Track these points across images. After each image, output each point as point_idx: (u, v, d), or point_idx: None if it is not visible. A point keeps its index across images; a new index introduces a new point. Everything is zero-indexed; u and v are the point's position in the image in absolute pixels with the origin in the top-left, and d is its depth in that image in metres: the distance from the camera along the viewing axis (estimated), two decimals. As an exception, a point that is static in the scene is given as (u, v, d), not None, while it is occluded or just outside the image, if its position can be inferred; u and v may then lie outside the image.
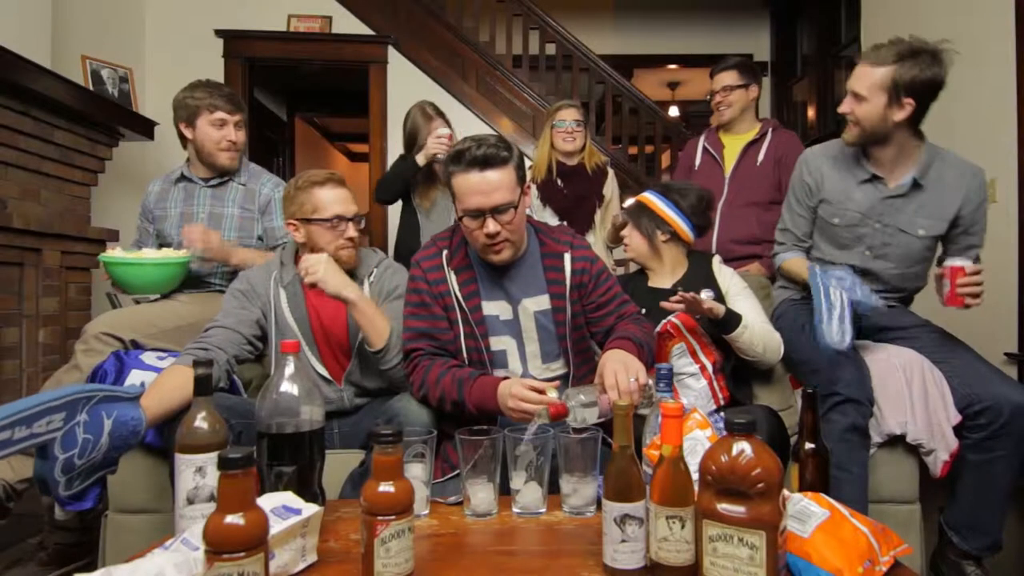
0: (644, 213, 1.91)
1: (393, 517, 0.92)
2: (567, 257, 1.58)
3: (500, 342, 1.57)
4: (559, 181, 2.71)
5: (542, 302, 1.57)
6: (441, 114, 2.64)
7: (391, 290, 1.74)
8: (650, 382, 1.33)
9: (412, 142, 2.61)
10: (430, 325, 1.57)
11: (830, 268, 1.75)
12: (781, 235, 2.04)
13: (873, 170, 1.83)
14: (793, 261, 1.99)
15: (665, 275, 1.93)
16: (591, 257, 1.61)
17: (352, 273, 1.73)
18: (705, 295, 1.84)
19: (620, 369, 1.30)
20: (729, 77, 2.58)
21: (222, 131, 2.11)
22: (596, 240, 2.74)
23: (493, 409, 1.40)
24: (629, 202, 2.11)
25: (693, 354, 1.79)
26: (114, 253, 1.96)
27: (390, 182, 2.62)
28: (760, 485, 0.87)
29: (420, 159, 2.49)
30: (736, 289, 1.87)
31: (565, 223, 2.59)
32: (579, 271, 1.58)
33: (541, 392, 1.32)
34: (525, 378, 1.44)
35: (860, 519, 0.99)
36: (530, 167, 2.80)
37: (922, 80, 1.66)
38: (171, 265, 1.96)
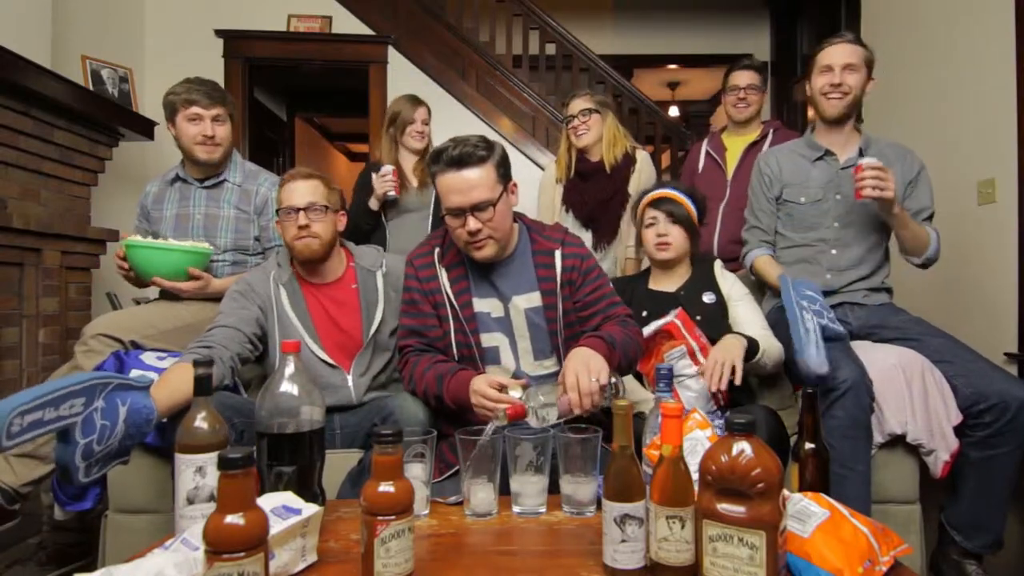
0: (681, 209, 1.87)
1: (393, 517, 0.92)
2: (558, 254, 1.60)
3: (492, 339, 1.59)
4: (580, 182, 2.51)
5: (533, 299, 1.58)
6: (424, 103, 2.64)
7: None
8: (615, 380, 1.33)
9: (391, 122, 2.61)
10: (419, 323, 1.60)
11: (798, 282, 1.84)
12: (748, 233, 2.17)
13: (826, 146, 2.05)
14: (762, 260, 2.10)
15: (671, 278, 1.91)
16: (583, 254, 1.62)
17: (325, 268, 1.75)
18: (707, 299, 1.84)
19: (581, 370, 1.32)
20: (753, 77, 2.59)
21: (198, 126, 2.06)
22: (622, 248, 2.47)
23: (467, 403, 1.42)
24: (650, 198, 1.93)
25: (692, 355, 1.79)
26: (137, 238, 1.95)
27: (352, 230, 2.47)
28: (760, 485, 0.87)
29: (373, 203, 2.50)
30: (737, 295, 1.87)
31: (590, 232, 2.48)
32: (569, 268, 1.59)
33: (503, 389, 1.35)
34: (494, 375, 1.46)
35: (860, 519, 1.00)
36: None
37: (873, 61, 1.99)
38: (196, 254, 1.96)
